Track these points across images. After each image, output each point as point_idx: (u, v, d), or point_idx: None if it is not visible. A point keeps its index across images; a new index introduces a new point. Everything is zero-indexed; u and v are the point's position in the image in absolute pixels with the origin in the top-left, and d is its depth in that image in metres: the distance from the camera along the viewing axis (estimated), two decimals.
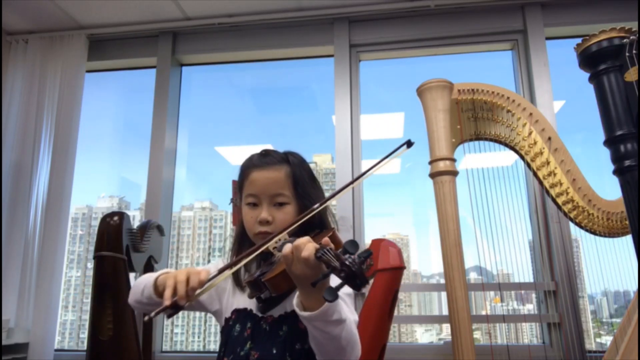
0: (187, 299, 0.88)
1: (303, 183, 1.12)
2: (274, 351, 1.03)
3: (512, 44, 2.49)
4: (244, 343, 1.06)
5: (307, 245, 0.84)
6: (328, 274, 0.79)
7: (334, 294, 0.75)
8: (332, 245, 0.82)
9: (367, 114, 2.54)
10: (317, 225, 1.10)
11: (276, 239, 1.00)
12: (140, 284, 1.10)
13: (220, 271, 0.95)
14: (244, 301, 1.13)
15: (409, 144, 0.99)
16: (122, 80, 3.01)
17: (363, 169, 2.45)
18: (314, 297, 0.88)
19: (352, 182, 1.09)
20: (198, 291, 0.91)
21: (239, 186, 1.19)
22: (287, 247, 0.87)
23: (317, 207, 1.03)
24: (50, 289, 2.30)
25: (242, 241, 1.18)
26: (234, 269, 1.01)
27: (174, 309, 0.88)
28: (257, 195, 1.11)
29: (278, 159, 1.13)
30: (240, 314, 1.11)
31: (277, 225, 1.09)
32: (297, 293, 0.92)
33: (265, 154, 1.15)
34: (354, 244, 0.79)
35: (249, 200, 1.12)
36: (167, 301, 0.87)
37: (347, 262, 0.75)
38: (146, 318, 0.90)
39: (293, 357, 1.02)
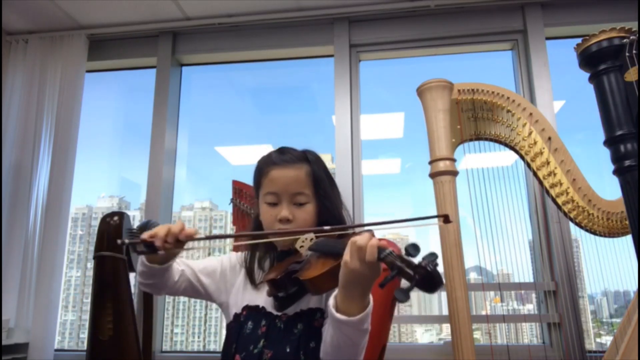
0: (163, 242, 0.91)
1: (322, 182, 1.12)
2: (288, 350, 1.02)
3: (512, 44, 2.49)
4: (257, 341, 1.05)
5: (371, 243, 0.81)
6: (395, 275, 0.76)
7: (406, 294, 0.72)
8: (390, 249, 0.80)
9: (367, 114, 2.54)
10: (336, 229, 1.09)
11: (302, 237, 0.99)
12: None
13: (232, 236, 0.97)
14: (256, 298, 1.12)
15: (446, 219, 0.95)
16: (122, 80, 3.01)
17: (363, 169, 2.45)
18: (355, 301, 0.87)
19: (378, 224, 1.06)
20: (179, 248, 0.95)
21: (255, 184, 1.18)
22: (363, 238, 0.84)
23: (352, 227, 1.03)
24: (50, 289, 2.30)
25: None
26: (252, 242, 1.01)
27: (147, 246, 0.91)
28: (277, 193, 1.10)
29: (297, 157, 1.13)
30: (253, 312, 1.11)
31: (298, 223, 1.08)
32: (335, 292, 0.91)
33: (284, 151, 1.14)
34: (415, 247, 0.77)
35: (269, 198, 1.11)
36: (144, 235, 0.91)
37: (422, 264, 0.72)
38: (119, 241, 0.94)
39: (307, 355, 1.02)
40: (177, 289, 1.15)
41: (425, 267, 0.72)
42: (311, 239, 0.99)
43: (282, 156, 1.13)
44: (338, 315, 0.87)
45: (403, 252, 0.78)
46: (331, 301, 0.90)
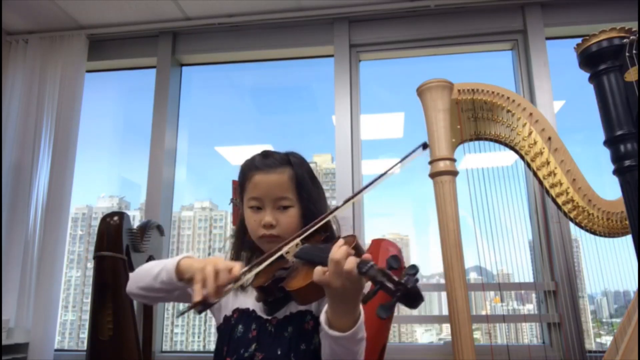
0: (217, 295, 0.86)
1: (306, 185, 1.11)
2: (279, 352, 1.02)
3: (512, 44, 2.49)
4: (249, 344, 1.05)
5: (349, 260, 0.81)
6: (377, 291, 0.75)
7: (388, 311, 0.72)
8: (372, 263, 0.79)
9: (367, 114, 2.54)
10: (322, 228, 1.07)
11: (290, 244, 0.99)
12: (149, 269, 1.06)
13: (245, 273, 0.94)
14: (245, 301, 1.11)
15: (424, 145, 0.95)
16: (122, 80, 3.02)
17: (363, 169, 2.45)
18: (346, 316, 0.86)
19: (364, 188, 1.05)
20: (229, 286, 0.88)
21: (239, 187, 1.18)
22: (319, 270, 0.84)
23: (331, 213, 1.01)
24: (50, 289, 2.30)
25: (243, 242, 1.18)
26: (257, 269, 1.00)
27: (204, 306, 0.86)
28: (260, 198, 1.09)
29: (280, 161, 1.12)
30: (243, 315, 1.10)
31: (282, 228, 1.08)
32: (325, 308, 0.91)
33: (267, 155, 1.13)
34: (396, 259, 0.77)
35: (252, 203, 1.11)
36: (197, 297, 0.85)
37: (402, 280, 0.72)
38: (177, 316, 0.88)
39: (298, 357, 1.02)
40: (171, 297, 1.13)
41: (406, 285, 0.71)
42: (297, 245, 0.99)
43: (265, 160, 1.12)
44: (332, 332, 0.87)
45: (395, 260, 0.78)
46: (322, 317, 0.90)
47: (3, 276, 2.32)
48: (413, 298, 0.71)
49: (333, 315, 0.88)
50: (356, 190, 2.38)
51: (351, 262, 0.81)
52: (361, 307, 0.90)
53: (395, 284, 0.72)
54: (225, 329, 1.11)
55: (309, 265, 0.92)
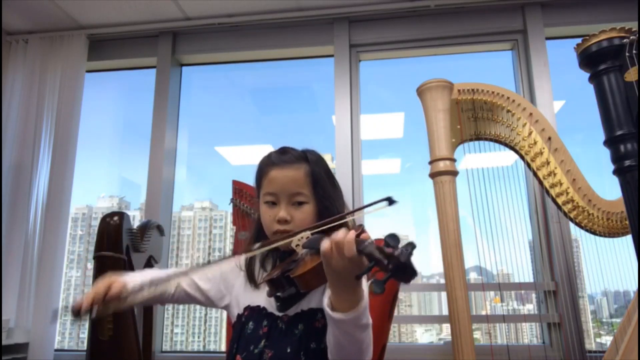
0: (92, 306, 0.93)
1: (322, 182, 1.12)
2: (288, 350, 1.02)
3: (512, 44, 2.49)
4: (259, 341, 1.05)
5: (348, 238, 0.82)
6: (372, 267, 0.76)
7: (382, 286, 0.72)
8: (371, 240, 0.81)
9: (367, 114, 2.54)
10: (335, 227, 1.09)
11: (298, 236, 0.99)
12: None
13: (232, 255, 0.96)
14: (257, 298, 1.12)
15: (390, 201, 0.96)
16: (122, 80, 3.02)
17: (363, 169, 2.45)
18: (347, 298, 0.87)
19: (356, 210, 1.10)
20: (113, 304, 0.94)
21: (256, 184, 1.19)
22: (326, 242, 0.85)
23: (345, 214, 1.03)
24: (50, 289, 2.30)
25: (258, 239, 1.18)
26: (247, 255, 1.01)
27: (76, 314, 0.93)
28: (276, 194, 1.10)
29: (297, 157, 1.13)
30: (254, 312, 1.11)
31: (296, 224, 1.08)
32: (328, 292, 0.91)
33: (284, 151, 1.14)
34: (394, 237, 0.77)
35: (268, 198, 1.12)
36: (75, 305, 0.93)
37: (395, 254, 0.72)
38: (51, 318, 0.97)
39: (307, 356, 1.02)
40: (176, 300, 1.18)
41: (398, 258, 0.72)
42: (306, 237, 0.99)
43: (282, 156, 1.13)
44: (333, 314, 0.88)
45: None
46: (325, 300, 0.91)
47: (3, 276, 2.32)
48: (405, 271, 0.72)
49: (334, 296, 0.88)
50: (356, 190, 2.37)
51: (350, 241, 0.82)
52: (365, 292, 0.90)
53: (389, 258, 0.73)
54: (237, 326, 1.12)
55: (314, 252, 0.94)
